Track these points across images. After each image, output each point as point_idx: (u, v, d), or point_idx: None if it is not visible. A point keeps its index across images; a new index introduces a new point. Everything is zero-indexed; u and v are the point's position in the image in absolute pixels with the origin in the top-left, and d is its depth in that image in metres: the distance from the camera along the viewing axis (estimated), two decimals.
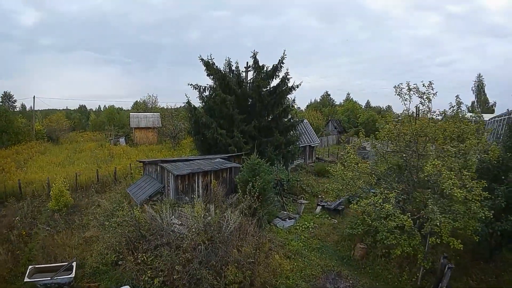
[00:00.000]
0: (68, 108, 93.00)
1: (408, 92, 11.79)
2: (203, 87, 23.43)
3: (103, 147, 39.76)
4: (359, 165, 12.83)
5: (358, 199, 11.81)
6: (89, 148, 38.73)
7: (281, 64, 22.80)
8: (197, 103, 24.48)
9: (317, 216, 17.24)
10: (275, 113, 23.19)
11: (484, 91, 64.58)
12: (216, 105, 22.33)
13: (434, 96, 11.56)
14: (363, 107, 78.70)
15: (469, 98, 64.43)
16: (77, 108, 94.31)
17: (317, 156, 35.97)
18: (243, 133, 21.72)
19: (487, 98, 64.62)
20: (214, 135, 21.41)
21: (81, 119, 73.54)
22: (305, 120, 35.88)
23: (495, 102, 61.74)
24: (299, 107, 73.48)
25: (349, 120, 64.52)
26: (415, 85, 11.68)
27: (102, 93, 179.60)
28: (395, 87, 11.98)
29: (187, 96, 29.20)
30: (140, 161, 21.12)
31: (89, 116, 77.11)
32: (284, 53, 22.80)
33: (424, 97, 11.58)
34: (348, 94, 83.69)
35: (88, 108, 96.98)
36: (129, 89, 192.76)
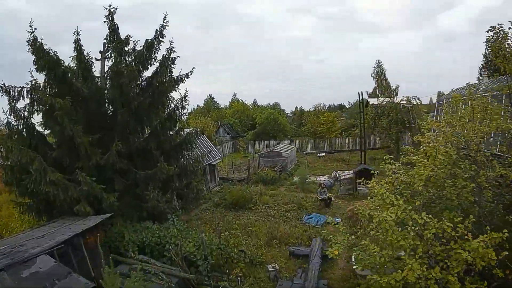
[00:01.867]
0: None
1: None
2: (18, 90, 11.60)
3: None
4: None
5: None
6: None
7: (160, 38, 12.94)
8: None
9: None
10: (153, 123, 13.14)
11: (385, 76, 65.93)
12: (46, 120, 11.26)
13: None
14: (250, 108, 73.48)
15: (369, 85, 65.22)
16: None
17: (220, 175, 26.79)
18: (100, 169, 11.15)
19: (389, 83, 66.28)
20: (40, 185, 10.32)
21: None
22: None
23: (398, 86, 63.43)
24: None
25: (241, 122, 57.49)
26: None
27: None
28: None
29: None
30: None
31: None
32: (165, 20, 12.94)
33: None
34: (235, 95, 76.71)
35: None
36: None
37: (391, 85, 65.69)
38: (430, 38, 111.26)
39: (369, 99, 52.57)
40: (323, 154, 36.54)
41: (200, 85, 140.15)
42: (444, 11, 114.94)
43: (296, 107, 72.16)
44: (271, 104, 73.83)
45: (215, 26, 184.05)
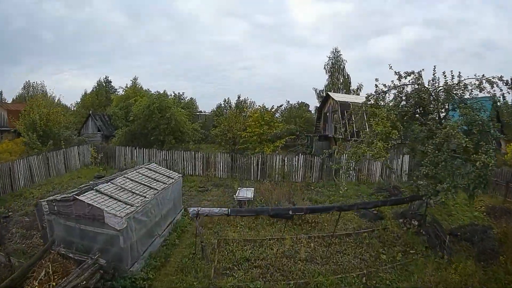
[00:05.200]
0: None
1: None
2: None
3: None
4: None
5: None
6: None
7: None
8: None
9: None
10: None
11: (344, 70, 49.17)
12: None
13: None
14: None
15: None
16: None
17: None
18: None
19: (349, 78, 49.58)
20: None
21: None
22: None
23: (361, 85, 47.15)
24: None
25: (126, 115, 35.63)
26: None
27: None
28: None
29: None
30: None
31: None
32: None
33: None
34: (135, 79, 50.93)
35: None
36: None
37: (350, 82, 50.22)
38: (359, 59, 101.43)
39: (331, 94, 35.06)
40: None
41: (120, 78, 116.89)
42: (377, 36, 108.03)
43: (220, 104, 51.34)
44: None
45: (145, 18, 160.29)
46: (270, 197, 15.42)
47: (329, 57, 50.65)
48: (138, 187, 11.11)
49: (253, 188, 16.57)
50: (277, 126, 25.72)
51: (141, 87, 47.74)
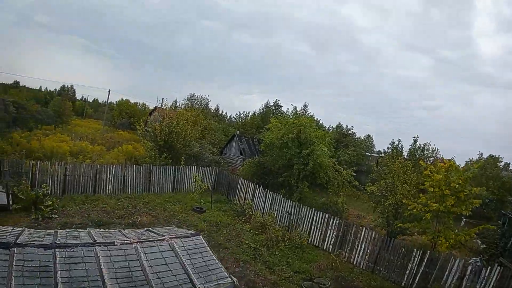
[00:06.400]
0: (49, 89, 71.37)
1: None
2: None
3: None
4: None
5: None
6: None
7: None
8: None
9: None
10: None
11: None
12: None
13: None
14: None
15: None
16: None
17: None
18: None
19: None
20: None
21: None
22: None
23: None
24: None
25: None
26: None
27: (88, 81, 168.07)
28: None
29: None
30: None
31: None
32: None
33: None
34: (306, 105, 42.54)
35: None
36: (116, 84, 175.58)
37: None
38: None
39: None
40: None
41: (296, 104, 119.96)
42: None
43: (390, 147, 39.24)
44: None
45: (327, 48, 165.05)
46: None
47: None
48: None
49: None
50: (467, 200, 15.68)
51: (311, 115, 43.37)
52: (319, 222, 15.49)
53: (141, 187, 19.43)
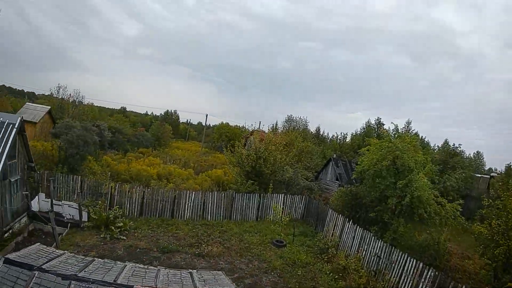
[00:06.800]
0: (154, 114, 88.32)
1: None
2: None
3: None
4: None
5: None
6: None
7: None
8: None
9: None
10: None
11: None
12: None
13: None
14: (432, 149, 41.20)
15: None
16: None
17: None
18: None
19: None
20: None
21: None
22: None
23: None
24: None
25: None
26: None
27: (193, 107, 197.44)
28: None
29: None
30: None
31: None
32: None
33: None
34: (409, 122, 42.32)
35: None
36: (221, 108, 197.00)
37: None
38: None
39: None
40: None
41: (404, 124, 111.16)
42: None
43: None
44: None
45: (427, 57, 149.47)
46: None
47: None
48: None
49: None
50: None
51: (415, 133, 40.02)
52: (410, 271, 13.59)
53: (222, 214, 19.81)
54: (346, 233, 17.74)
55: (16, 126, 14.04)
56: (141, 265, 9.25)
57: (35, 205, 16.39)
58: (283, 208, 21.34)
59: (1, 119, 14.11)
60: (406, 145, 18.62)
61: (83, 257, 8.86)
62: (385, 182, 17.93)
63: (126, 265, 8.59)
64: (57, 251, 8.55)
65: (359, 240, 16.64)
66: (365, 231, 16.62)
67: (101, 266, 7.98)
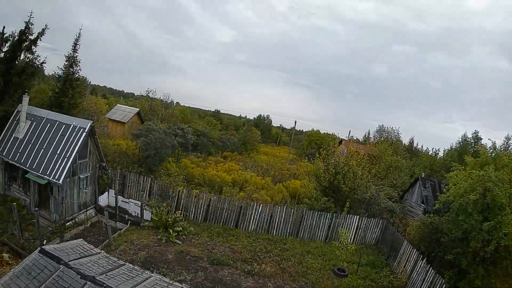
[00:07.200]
0: (248, 117, 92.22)
1: None
2: None
3: None
4: None
5: None
6: None
7: None
8: None
9: None
10: None
11: None
12: None
13: None
14: None
15: None
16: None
17: None
18: None
19: None
20: None
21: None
22: None
23: None
24: None
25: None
26: None
27: (289, 112, 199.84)
28: None
29: None
30: None
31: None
32: None
33: None
34: (508, 138, 35.13)
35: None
36: (318, 114, 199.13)
37: None
38: None
39: None
40: None
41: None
42: None
43: None
44: None
45: None
46: None
47: None
48: None
49: None
50: None
51: None
52: None
53: (288, 230, 19.76)
54: (417, 272, 16.69)
55: (86, 130, 15.96)
56: (167, 280, 8.90)
57: (104, 200, 18.72)
58: (356, 232, 20.79)
59: (74, 123, 16.37)
60: (501, 175, 15.99)
61: (115, 259, 9.27)
62: (470, 220, 15.89)
63: (151, 276, 8.70)
64: (94, 249, 9.28)
65: (429, 283, 15.53)
66: (437, 274, 15.38)
67: (126, 272, 8.30)
